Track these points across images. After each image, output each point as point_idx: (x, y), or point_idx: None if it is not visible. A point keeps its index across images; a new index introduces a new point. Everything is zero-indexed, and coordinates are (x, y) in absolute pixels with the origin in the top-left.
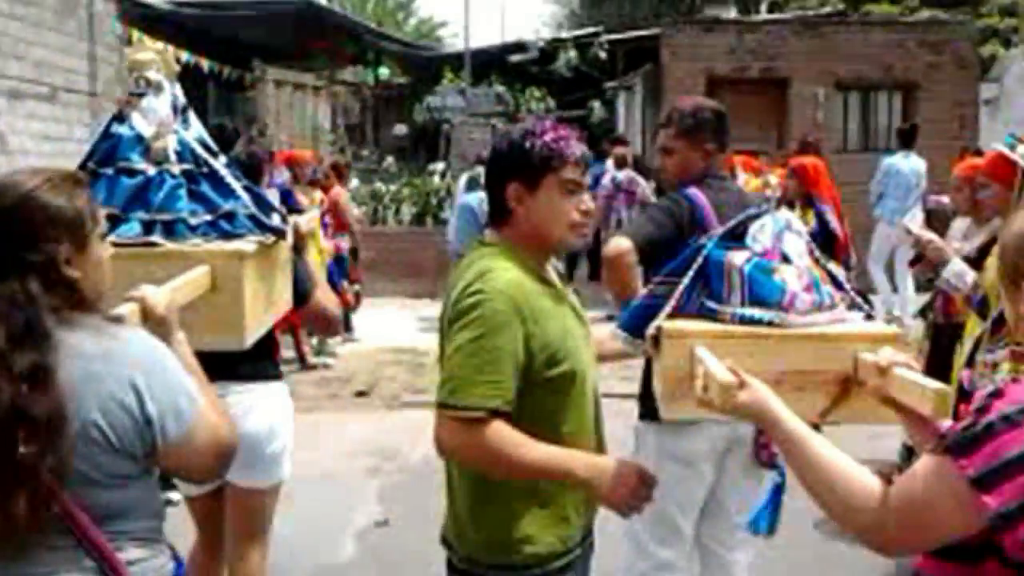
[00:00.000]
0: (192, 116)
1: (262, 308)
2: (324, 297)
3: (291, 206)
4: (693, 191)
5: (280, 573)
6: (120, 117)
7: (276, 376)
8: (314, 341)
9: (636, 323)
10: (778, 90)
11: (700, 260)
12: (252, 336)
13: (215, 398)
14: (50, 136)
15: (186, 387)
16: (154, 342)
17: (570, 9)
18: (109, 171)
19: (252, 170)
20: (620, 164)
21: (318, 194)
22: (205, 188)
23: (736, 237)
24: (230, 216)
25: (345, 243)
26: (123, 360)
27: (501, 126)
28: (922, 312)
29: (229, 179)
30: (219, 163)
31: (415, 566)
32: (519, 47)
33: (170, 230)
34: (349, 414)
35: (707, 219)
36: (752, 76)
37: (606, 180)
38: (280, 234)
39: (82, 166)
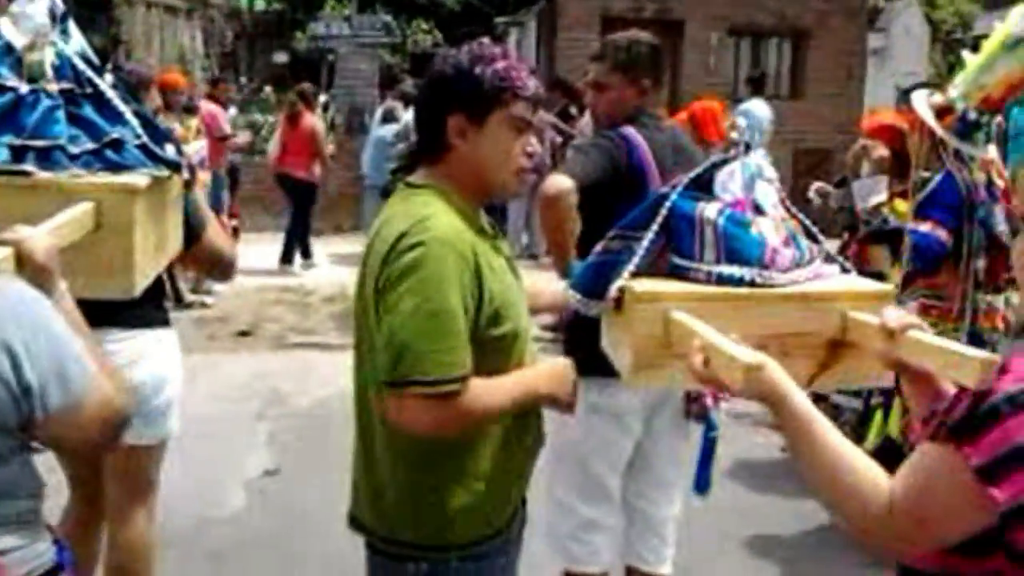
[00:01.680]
0: (72, 26)
1: (152, 251)
2: (217, 236)
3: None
4: (629, 130)
5: (164, 527)
6: None
7: (164, 322)
8: (190, 276)
9: (591, 282)
10: (672, 34)
11: (664, 212)
12: (142, 283)
13: (105, 359)
14: None
15: (73, 348)
16: (33, 294)
17: None
18: None
19: (136, 92)
20: None
21: (193, 122)
22: (88, 111)
23: (702, 186)
24: (117, 145)
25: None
26: None
27: (388, 58)
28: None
29: (116, 101)
30: (105, 82)
31: (310, 517)
32: None
33: (45, 158)
34: (231, 356)
35: (644, 161)
36: (646, 17)
37: None
38: (176, 167)
39: None
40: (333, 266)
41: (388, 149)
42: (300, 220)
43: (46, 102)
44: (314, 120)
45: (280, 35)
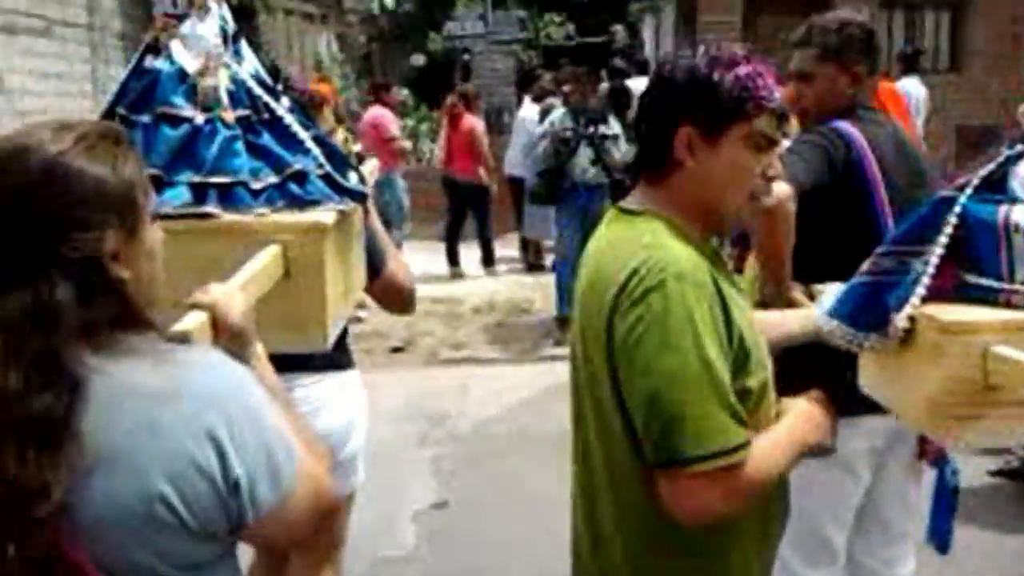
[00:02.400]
0: (245, 46)
1: (342, 293)
2: (398, 269)
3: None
4: (844, 125)
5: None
6: (155, 47)
7: (349, 363)
8: None
9: (860, 310)
10: (820, 9)
11: (953, 220)
12: (335, 331)
13: (305, 429)
14: (49, 73)
15: (281, 433)
16: (235, 370)
17: None
18: (145, 118)
19: (310, 113)
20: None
21: (340, 134)
22: (267, 140)
23: (993, 186)
24: (300, 177)
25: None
26: (196, 400)
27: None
28: None
29: (296, 128)
30: (282, 107)
31: (488, 558)
32: None
33: (227, 196)
34: (387, 373)
35: (864, 161)
36: None
37: None
38: (362, 199)
39: (109, 112)
40: (480, 274)
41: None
42: (480, 224)
43: (224, 132)
44: (474, 121)
45: (414, 37)
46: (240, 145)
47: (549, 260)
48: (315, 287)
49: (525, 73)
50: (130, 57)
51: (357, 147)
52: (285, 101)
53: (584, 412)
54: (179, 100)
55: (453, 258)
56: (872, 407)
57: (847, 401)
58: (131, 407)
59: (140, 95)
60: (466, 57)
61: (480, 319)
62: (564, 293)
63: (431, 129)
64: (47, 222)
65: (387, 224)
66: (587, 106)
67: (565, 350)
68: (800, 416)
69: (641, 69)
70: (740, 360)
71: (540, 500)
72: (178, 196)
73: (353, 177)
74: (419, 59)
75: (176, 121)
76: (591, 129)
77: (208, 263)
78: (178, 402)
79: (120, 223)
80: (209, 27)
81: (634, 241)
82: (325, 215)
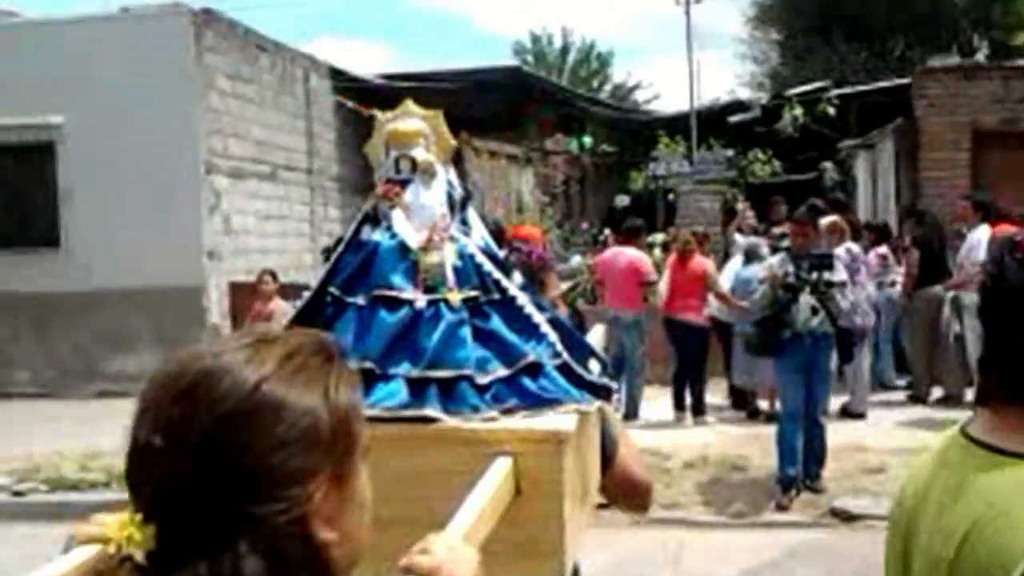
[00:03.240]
0: (473, 214)
1: (579, 510)
2: (630, 458)
3: None
4: None
5: None
6: (374, 216)
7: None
8: None
9: None
10: None
11: None
12: (571, 562)
13: None
14: (272, 215)
15: None
16: None
17: (769, 67)
18: (360, 300)
19: (534, 280)
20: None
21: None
22: (497, 324)
23: None
24: (534, 369)
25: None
26: None
27: (731, 194)
28: None
29: (529, 308)
30: (514, 283)
31: None
32: (739, 106)
33: (450, 394)
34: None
35: None
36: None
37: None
38: (606, 394)
39: (320, 290)
40: (693, 425)
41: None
42: (695, 369)
43: (448, 317)
44: (706, 262)
45: (610, 177)
46: (466, 331)
47: (762, 404)
48: (551, 508)
49: (725, 210)
50: (345, 200)
51: (562, 288)
52: (517, 277)
53: None
54: (399, 279)
55: (679, 402)
56: None
57: None
58: None
59: (355, 272)
60: (671, 197)
61: (692, 475)
62: (789, 452)
63: None
64: (240, 476)
65: (621, 365)
66: (811, 250)
67: (788, 516)
68: None
69: (839, 208)
70: None
71: None
72: (394, 394)
73: (595, 367)
74: (623, 199)
75: (395, 304)
76: (814, 275)
77: (426, 477)
78: None
79: (331, 468)
80: (435, 194)
81: None
82: (564, 420)
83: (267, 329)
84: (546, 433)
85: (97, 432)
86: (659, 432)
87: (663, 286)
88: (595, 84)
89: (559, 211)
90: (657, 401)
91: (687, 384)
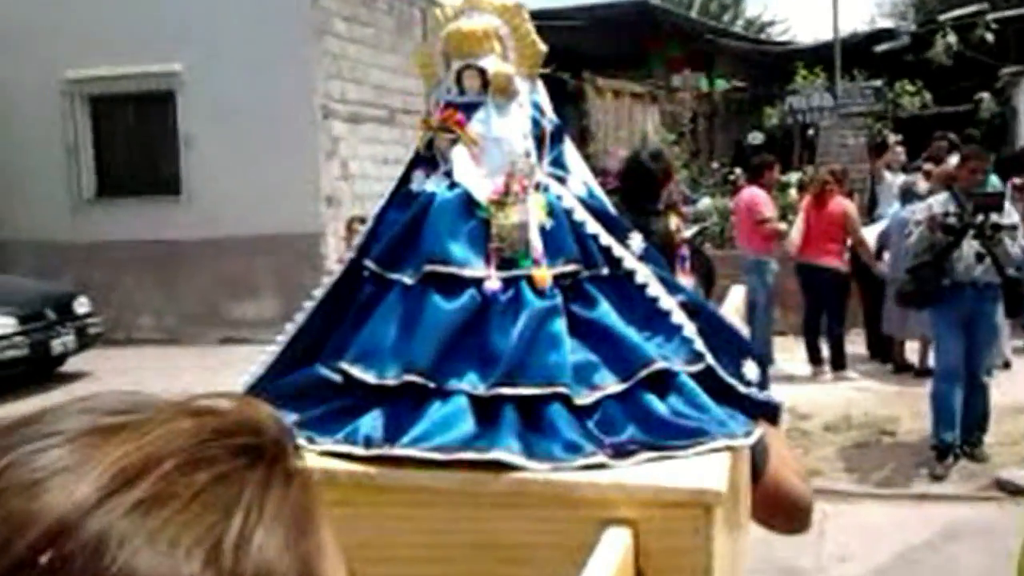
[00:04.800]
0: (570, 150)
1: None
2: (783, 471)
3: None
4: None
5: None
6: (430, 157)
7: None
8: None
9: None
10: None
11: None
12: None
13: None
14: (389, 159)
15: None
16: None
17: None
18: (406, 278)
19: (666, 249)
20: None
21: (673, 221)
22: (605, 313)
23: None
24: (664, 381)
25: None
26: None
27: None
28: None
29: (655, 288)
30: (633, 251)
31: None
32: (886, 34)
33: (535, 422)
34: None
35: None
36: None
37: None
38: (772, 414)
39: (355, 263)
40: (832, 380)
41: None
42: (834, 318)
43: (534, 304)
44: (845, 202)
45: (740, 114)
46: (560, 324)
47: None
48: None
49: (871, 146)
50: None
51: (687, 233)
52: (636, 239)
53: None
54: (460, 249)
55: (815, 355)
56: None
57: None
58: None
59: (400, 237)
60: (810, 133)
61: (835, 439)
62: (945, 415)
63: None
64: None
65: (752, 310)
66: (981, 189)
67: (944, 488)
68: None
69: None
70: None
71: None
72: (451, 423)
73: (751, 370)
74: (757, 136)
75: (454, 285)
76: (980, 217)
77: (495, 556)
78: None
79: None
80: (515, 122)
81: None
82: (711, 467)
83: (136, 399)
84: (684, 494)
85: (216, 379)
86: (795, 388)
87: (796, 230)
88: (725, 19)
89: (686, 151)
90: (791, 353)
91: (819, 334)
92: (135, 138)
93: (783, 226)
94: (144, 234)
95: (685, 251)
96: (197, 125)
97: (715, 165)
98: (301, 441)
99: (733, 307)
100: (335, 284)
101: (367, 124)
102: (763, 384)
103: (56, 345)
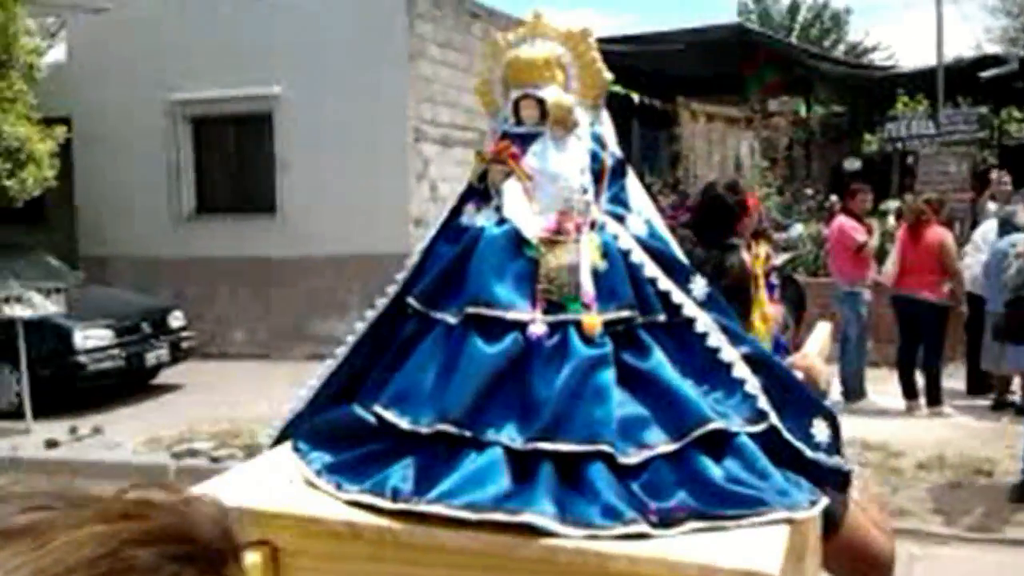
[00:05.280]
0: (633, 185)
1: None
2: (862, 521)
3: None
4: None
5: None
6: (479, 190)
7: None
8: None
9: None
10: None
11: None
12: None
13: None
14: None
15: None
16: None
17: None
18: (450, 317)
19: (740, 291)
20: None
21: (763, 248)
22: (659, 365)
23: None
24: (721, 443)
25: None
26: None
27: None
28: None
29: (716, 338)
30: (694, 297)
31: None
32: (992, 60)
33: (574, 482)
34: None
35: None
36: None
37: None
38: (841, 481)
39: (397, 300)
40: (927, 415)
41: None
42: (931, 352)
43: (581, 352)
44: (942, 232)
45: (838, 140)
46: (608, 376)
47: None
48: None
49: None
50: None
51: (778, 260)
52: (700, 284)
53: None
54: (505, 290)
55: (909, 389)
56: None
57: None
58: None
59: (444, 274)
60: (909, 160)
61: (927, 478)
62: None
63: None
64: None
65: (844, 342)
66: None
67: None
68: None
69: None
70: None
71: None
72: (485, 477)
73: (821, 431)
74: (854, 163)
75: (496, 328)
76: None
77: None
78: None
79: None
80: (572, 157)
81: None
82: (766, 546)
83: (62, 492)
84: (731, 575)
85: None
86: (887, 422)
87: (891, 261)
88: (826, 44)
89: (780, 176)
90: (884, 385)
91: (915, 367)
92: (234, 158)
93: (874, 243)
94: (239, 251)
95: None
96: (293, 146)
97: (809, 191)
98: (329, 487)
99: (818, 346)
100: (378, 318)
101: (457, 147)
102: (834, 446)
103: (150, 357)
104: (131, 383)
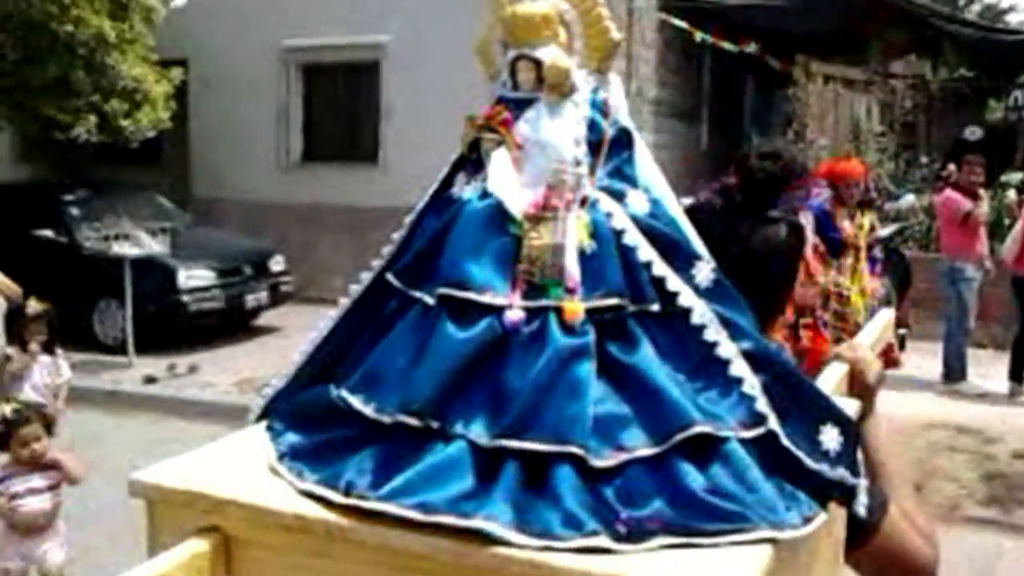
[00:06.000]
0: (642, 157)
1: None
2: (903, 528)
3: (828, 237)
4: None
5: None
6: (476, 158)
7: None
8: None
9: None
10: None
11: None
12: None
13: None
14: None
15: None
16: None
17: None
18: (428, 297)
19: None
20: None
21: (868, 218)
22: (646, 359)
23: None
24: (707, 448)
25: None
26: None
27: None
28: None
29: (713, 332)
30: (693, 286)
31: None
32: None
33: (539, 484)
34: None
35: None
36: None
37: None
38: (846, 495)
39: (379, 277)
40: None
41: None
42: None
43: (559, 342)
44: None
45: (965, 106)
46: (586, 370)
47: None
48: None
49: None
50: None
51: (884, 232)
52: (704, 270)
53: None
54: (482, 270)
55: (1017, 373)
56: None
57: None
58: None
59: (424, 250)
60: None
61: (1022, 468)
62: None
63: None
64: None
65: (948, 320)
66: None
67: None
68: None
69: None
70: None
71: None
72: (444, 475)
73: (831, 438)
74: (975, 131)
75: (470, 312)
76: None
77: None
78: None
79: None
80: (566, 125)
81: None
82: (741, 570)
83: None
84: None
85: None
86: (987, 408)
87: (1011, 238)
88: (960, 3)
89: (896, 143)
90: (987, 367)
91: None
92: (341, 106)
93: (983, 210)
94: (342, 199)
95: (878, 252)
96: (398, 96)
97: (923, 160)
98: (289, 475)
99: (873, 336)
100: (363, 294)
101: None
102: (845, 456)
103: (250, 299)
104: (231, 324)
